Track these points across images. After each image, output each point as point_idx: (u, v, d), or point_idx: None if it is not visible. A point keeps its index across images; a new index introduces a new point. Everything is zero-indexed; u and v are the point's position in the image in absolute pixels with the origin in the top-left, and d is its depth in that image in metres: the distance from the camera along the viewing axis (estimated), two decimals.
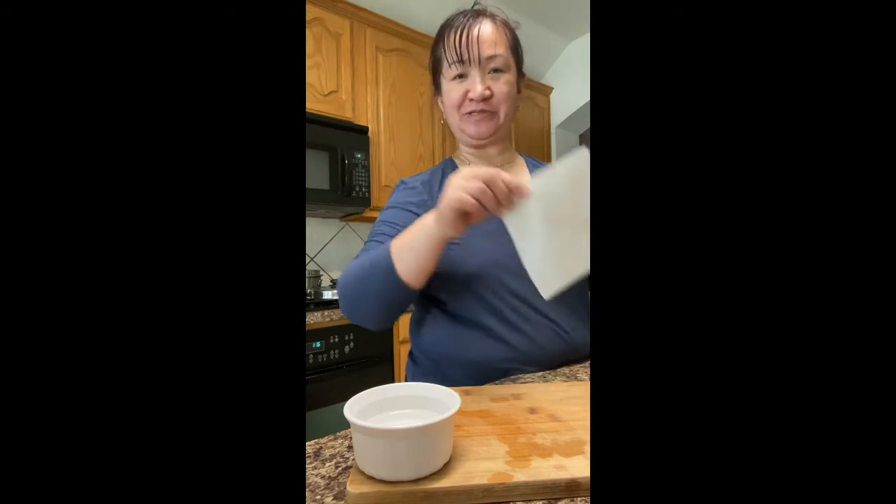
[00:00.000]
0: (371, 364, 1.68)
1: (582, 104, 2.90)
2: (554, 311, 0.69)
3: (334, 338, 1.58)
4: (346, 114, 1.93)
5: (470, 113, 0.71)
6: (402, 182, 0.80)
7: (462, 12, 0.71)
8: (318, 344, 1.53)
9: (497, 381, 0.62)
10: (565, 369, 0.68)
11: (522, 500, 0.34)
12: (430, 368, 0.72)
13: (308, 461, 0.40)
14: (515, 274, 0.68)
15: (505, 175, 0.48)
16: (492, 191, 0.47)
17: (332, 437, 0.45)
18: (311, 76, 1.83)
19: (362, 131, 1.93)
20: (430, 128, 2.28)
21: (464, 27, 0.67)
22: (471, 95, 0.67)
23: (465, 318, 0.68)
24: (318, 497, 0.34)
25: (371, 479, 0.34)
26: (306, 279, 1.95)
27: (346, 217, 2.17)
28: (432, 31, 1.10)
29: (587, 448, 0.38)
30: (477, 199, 0.47)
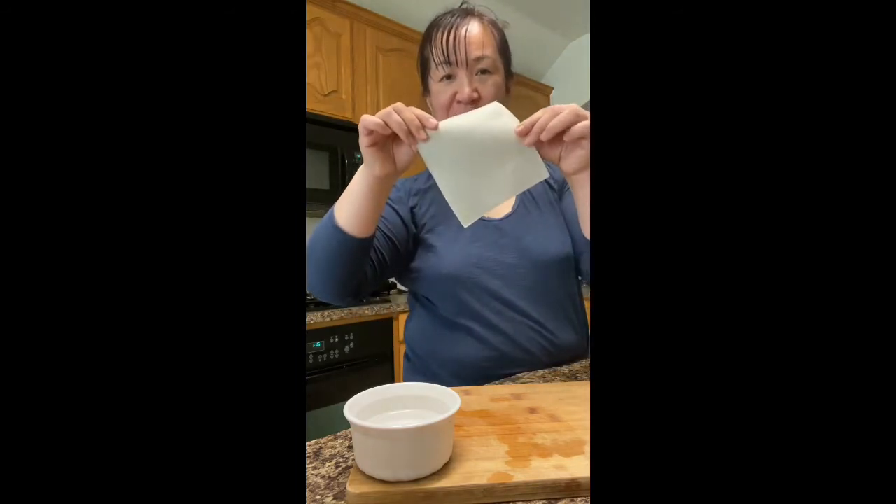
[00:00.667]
0: (371, 364, 1.68)
1: (582, 104, 2.90)
2: (537, 312, 0.69)
3: (334, 338, 1.58)
4: (346, 114, 1.93)
5: None
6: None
7: (450, 11, 0.70)
8: (318, 344, 1.53)
9: (497, 382, 0.62)
10: (565, 369, 0.68)
11: (522, 500, 0.34)
12: (419, 365, 0.74)
13: (308, 461, 0.40)
14: (495, 276, 0.69)
15: (416, 108, 0.49)
16: (401, 117, 0.47)
17: (332, 437, 0.45)
18: (311, 76, 1.83)
19: None
20: None
21: (451, 27, 0.66)
22: (458, 98, 0.67)
23: (448, 320, 0.70)
24: (318, 497, 0.34)
25: (371, 479, 0.34)
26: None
27: None
28: None
29: (587, 448, 0.38)
30: (384, 122, 0.48)
